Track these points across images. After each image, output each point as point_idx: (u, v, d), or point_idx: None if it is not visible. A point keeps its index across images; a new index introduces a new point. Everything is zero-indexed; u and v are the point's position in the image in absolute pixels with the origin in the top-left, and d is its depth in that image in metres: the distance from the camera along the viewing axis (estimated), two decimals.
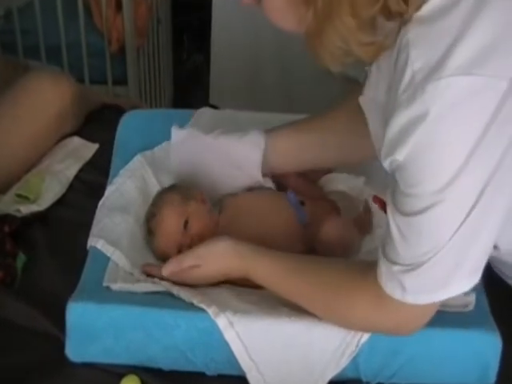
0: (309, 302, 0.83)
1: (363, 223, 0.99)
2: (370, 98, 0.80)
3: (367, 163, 1.02)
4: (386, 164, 0.69)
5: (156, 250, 0.98)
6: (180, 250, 0.94)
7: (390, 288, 0.73)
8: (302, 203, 1.01)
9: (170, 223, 0.95)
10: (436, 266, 0.69)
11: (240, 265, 0.86)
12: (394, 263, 0.72)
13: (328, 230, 0.94)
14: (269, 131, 1.00)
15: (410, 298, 0.72)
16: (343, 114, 0.96)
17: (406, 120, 0.65)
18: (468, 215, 0.66)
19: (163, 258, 0.95)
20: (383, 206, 0.95)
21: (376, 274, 0.75)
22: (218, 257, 0.88)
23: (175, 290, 0.88)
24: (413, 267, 0.70)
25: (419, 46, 0.65)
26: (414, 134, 0.64)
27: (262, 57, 1.98)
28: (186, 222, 0.95)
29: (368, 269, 0.77)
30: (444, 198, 0.66)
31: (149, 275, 0.92)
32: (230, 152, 0.99)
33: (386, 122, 0.69)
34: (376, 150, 0.74)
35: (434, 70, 0.63)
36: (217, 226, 0.97)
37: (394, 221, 0.70)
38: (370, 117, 0.81)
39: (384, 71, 0.74)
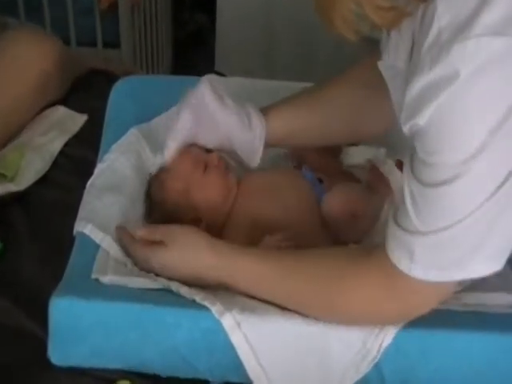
0: (305, 301, 0.83)
1: (375, 185, 0.99)
2: (390, 64, 0.81)
3: (388, 134, 1.03)
4: (405, 129, 0.70)
5: (162, 208, 0.97)
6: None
7: (398, 257, 0.73)
8: (320, 180, 1.03)
9: (186, 167, 0.97)
10: (450, 242, 0.70)
11: (213, 263, 0.86)
12: (405, 229, 0.72)
13: (329, 201, 0.95)
14: (267, 111, 1.00)
15: (419, 272, 0.72)
16: (347, 87, 0.97)
17: (429, 82, 0.65)
18: (492, 195, 0.66)
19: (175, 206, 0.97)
20: None
21: (380, 253, 0.75)
22: (188, 243, 0.87)
23: (175, 285, 0.88)
24: (424, 234, 0.70)
25: (446, 0, 0.65)
26: (438, 97, 0.65)
27: (276, 15, 1.95)
28: (205, 168, 0.97)
29: (371, 249, 0.79)
30: (466, 171, 0.66)
31: (120, 243, 0.93)
32: (230, 138, 1.00)
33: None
34: (398, 119, 0.74)
35: (462, 28, 0.63)
36: (232, 194, 0.99)
37: (408, 187, 0.71)
38: (391, 84, 0.82)
39: (405, 35, 0.75)
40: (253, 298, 0.87)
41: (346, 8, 0.67)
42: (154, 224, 0.95)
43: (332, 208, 0.94)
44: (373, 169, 1.01)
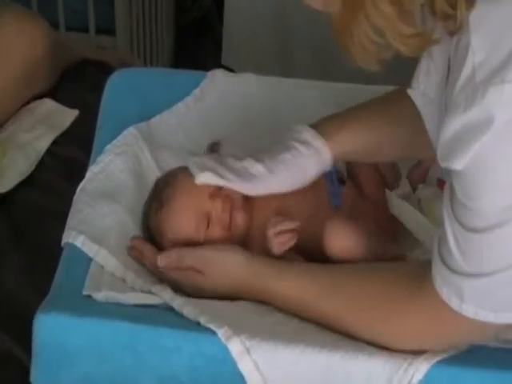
0: (344, 324, 0.85)
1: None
2: (421, 91, 0.83)
3: None
4: (442, 166, 0.73)
5: (172, 233, 0.98)
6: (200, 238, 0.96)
7: (447, 295, 0.77)
8: (342, 181, 1.02)
9: (187, 226, 0.97)
10: (501, 285, 0.74)
11: (252, 286, 0.90)
12: (452, 269, 0.76)
13: (331, 239, 0.93)
14: (324, 135, 0.97)
15: (470, 312, 0.76)
16: (405, 107, 0.95)
17: (464, 124, 0.68)
18: None
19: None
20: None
21: (431, 284, 0.79)
22: (227, 269, 0.91)
23: (177, 302, 0.88)
24: (472, 276, 0.74)
25: (482, 32, 0.67)
26: (475, 143, 0.67)
27: (291, 5, 1.92)
28: (208, 223, 0.97)
29: (422, 276, 0.81)
30: (510, 218, 0.70)
31: (136, 257, 0.95)
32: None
33: (440, 121, 0.72)
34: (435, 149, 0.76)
35: (499, 69, 0.65)
36: (243, 231, 0.99)
37: (451, 227, 0.75)
38: (424, 112, 0.84)
39: (438, 60, 0.77)
40: (267, 321, 0.88)
41: (365, 37, 0.69)
42: (173, 249, 0.95)
43: (334, 247, 0.93)
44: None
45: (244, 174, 0.93)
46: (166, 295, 0.90)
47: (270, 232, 0.94)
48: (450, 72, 0.73)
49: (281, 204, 0.98)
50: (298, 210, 0.98)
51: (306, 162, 0.94)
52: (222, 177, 0.92)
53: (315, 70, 1.89)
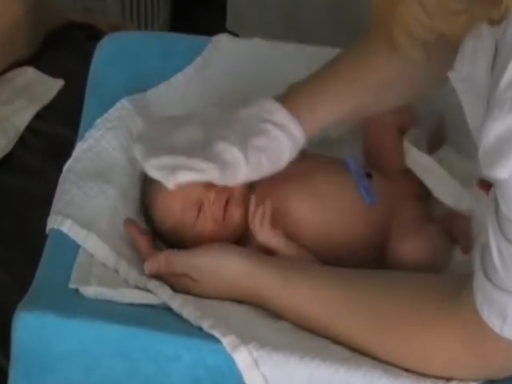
0: (369, 337, 0.85)
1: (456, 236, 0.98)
2: (464, 75, 0.82)
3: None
4: (485, 173, 0.73)
5: (161, 215, 0.98)
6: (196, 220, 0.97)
7: (487, 314, 0.76)
8: (368, 175, 1.02)
9: (176, 209, 0.98)
10: None
11: (253, 292, 0.91)
12: (495, 285, 0.75)
13: (402, 248, 0.95)
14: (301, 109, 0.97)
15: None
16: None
17: (508, 128, 0.67)
18: None
19: (167, 235, 0.98)
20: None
21: (468, 301, 0.78)
22: (224, 279, 0.92)
23: (177, 303, 0.88)
24: None
25: None
26: None
27: None
28: (199, 210, 0.98)
29: (459, 287, 0.81)
30: None
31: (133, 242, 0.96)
32: None
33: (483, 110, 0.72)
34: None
35: None
36: (236, 225, 1.00)
37: (495, 241, 0.74)
38: (465, 100, 0.84)
39: (486, 41, 0.76)
40: (280, 328, 0.88)
41: (412, 17, 0.69)
42: (162, 253, 0.95)
43: (406, 257, 0.94)
44: (457, 219, 1.00)
45: (219, 162, 0.92)
46: (163, 294, 0.90)
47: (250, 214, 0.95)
48: (497, 56, 0.72)
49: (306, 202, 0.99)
50: (330, 208, 0.99)
51: (281, 147, 0.94)
52: (197, 170, 0.91)
53: (327, 33, 1.89)
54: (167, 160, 0.93)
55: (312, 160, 1.04)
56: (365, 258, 0.98)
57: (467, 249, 0.96)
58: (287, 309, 0.89)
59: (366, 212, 1.00)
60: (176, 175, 0.91)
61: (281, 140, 0.94)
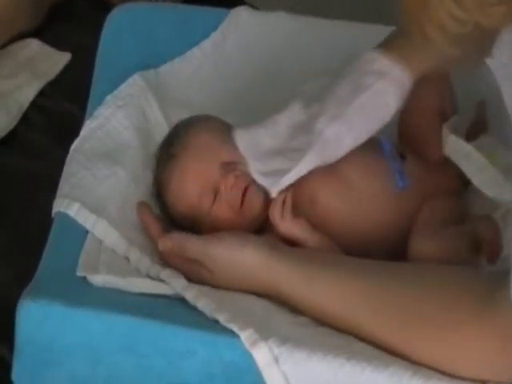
0: (395, 334, 0.85)
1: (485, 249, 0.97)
2: (503, 62, 0.84)
3: None
4: None
5: (174, 197, 0.99)
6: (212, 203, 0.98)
7: None
8: (402, 156, 1.02)
9: (192, 194, 0.99)
10: None
11: (276, 290, 0.90)
12: None
13: (419, 247, 0.95)
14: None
15: None
16: None
17: None
18: None
19: (180, 221, 0.98)
20: None
21: (506, 294, 0.77)
22: (241, 272, 0.91)
23: (191, 294, 0.88)
24: None
25: None
26: None
27: None
28: (215, 196, 0.99)
29: (496, 285, 0.80)
30: None
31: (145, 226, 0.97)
32: None
33: None
34: None
35: None
36: (257, 212, 1.00)
37: None
38: (504, 87, 0.85)
39: None
40: (302, 323, 0.88)
41: (445, 11, 0.70)
42: (176, 234, 0.96)
43: (419, 256, 0.94)
44: (487, 226, 0.98)
45: (319, 143, 0.94)
46: (177, 284, 0.90)
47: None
48: None
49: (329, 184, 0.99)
50: (360, 194, 0.99)
51: (385, 99, 0.95)
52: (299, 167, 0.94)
53: (352, 7, 1.88)
54: (270, 164, 0.96)
55: None
56: (391, 250, 0.98)
57: (492, 259, 0.94)
58: (308, 304, 0.89)
59: (397, 198, 0.99)
60: (281, 183, 0.96)
61: (385, 90, 0.95)
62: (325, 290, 0.88)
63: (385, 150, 1.02)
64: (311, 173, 0.98)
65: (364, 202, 0.99)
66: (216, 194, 0.98)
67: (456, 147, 0.98)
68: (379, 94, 0.95)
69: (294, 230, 0.96)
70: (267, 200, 0.98)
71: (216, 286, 0.92)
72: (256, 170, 0.97)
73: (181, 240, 0.94)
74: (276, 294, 0.90)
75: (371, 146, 1.01)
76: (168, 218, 1.02)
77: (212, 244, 0.93)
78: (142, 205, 1.00)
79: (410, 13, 0.73)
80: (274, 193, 0.96)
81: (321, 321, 0.88)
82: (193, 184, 0.98)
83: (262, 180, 0.97)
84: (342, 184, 0.99)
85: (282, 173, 0.96)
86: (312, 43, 1.15)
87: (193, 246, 0.93)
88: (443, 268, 0.91)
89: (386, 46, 0.97)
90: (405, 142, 1.05)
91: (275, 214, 0.96)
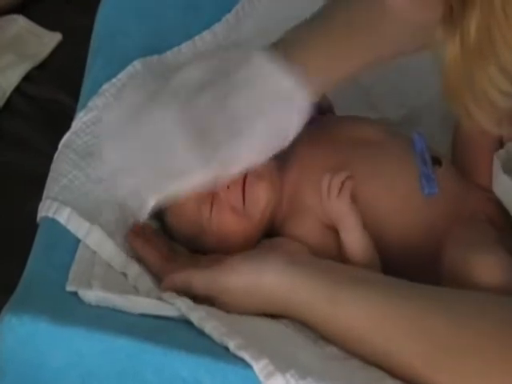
0: (435, 370, 0.84)
1: None
2: None
3: None
4: None
5: (175, 216, 1.00)
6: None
7: None
8: (437, 161, 1.01)
9: (188, 210, 1.00)
10: None
11: (296, 313, 0.91)
12: None
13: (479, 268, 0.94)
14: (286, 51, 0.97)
15: None
16: None
17: None
18: None
19: (188, 244, 0.99)
20: None
21: None
22: (257, 298, 0.92)
23: (198, 315, 0.87)
24: None
25: None
26: None
27: None
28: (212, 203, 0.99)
29: None
30: None
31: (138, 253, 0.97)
32: None
33: None
34: None
35: None
36: (271, 206, 1.02)
37: None
38: None
39: None
40: (325, 354, 0.87)
41: (494, 86, 0.73)
42: (177, 273, 0.96)
43: (476, 272, 0.93)
44: None
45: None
46: (182, 304, 0.89)
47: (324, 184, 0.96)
48: None
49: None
50: (381, 199, 0.99)
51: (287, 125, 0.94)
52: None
53: None
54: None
55: (375, 130, 1.05)
56: (418, 261, 0.98)
57: None
58: (332, 326, 0.89)
59: (423, 204, 0.99)
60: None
61: (287, 119, 0.94)
62: (351, 311, 0.88)
63: (415, 151, 1.01)
64: (351, 168, 0.99)
65: (390, 203, 1.00)
66: (213, 199, 0.98)
67: (507, 188, 0.98)
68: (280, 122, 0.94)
69: (346, 217, 0.96)
70: (272, 188, 0.99)
71: (227, 311, 0.92)
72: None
73: (185, 278, 0.94)
74: (298, 315, 0.90)
75: (401, 141, 1.03)
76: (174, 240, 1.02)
77: (223, 275, 0.93)
78: (133, 233, 0.99)
79: (453, 92, 0.75)
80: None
81: (350, 350, 0.88)
82: (192, 197, 0.98)
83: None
84: (381, 182, 1.00)
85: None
86: None
87: (199, 282, 0.93)
88: (482, 295, 0.91)
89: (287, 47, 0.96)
90: (454, 153, 1.06)
91: (332, 188, 0.96)
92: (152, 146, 0.93)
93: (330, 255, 0.98)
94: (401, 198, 1.00)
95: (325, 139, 1.03)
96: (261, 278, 0.91)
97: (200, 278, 0.93)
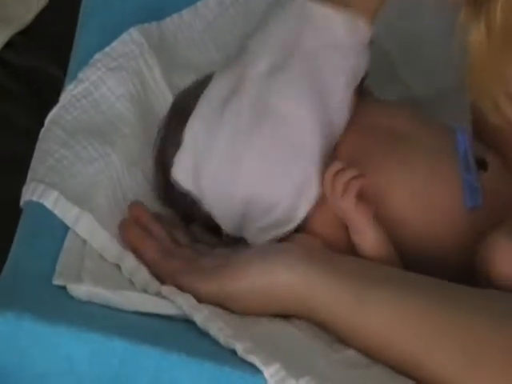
0: (465, 374, 0.85)
1: None
2: None
3: None
4: None
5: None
6: None
7: None
8: (482, 162, 1.00)
9: None
10: None
11: (314, 315, 0.90)
12: None
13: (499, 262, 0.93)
14: None
15: None
16: None
17: None
18: None
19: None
20: None
21: None
22: (271, 300, 0.91)
23: (202, 315, 0.87)
24: None
25: None
26: None
27: None
28: None
29: None
30: None
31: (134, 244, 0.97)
32: None
33: None
34: None
35: None
36: None
37: None
38: None
39: None
40: (343, 360, 0.87)
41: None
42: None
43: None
44: None
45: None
46: (183, 302, 0.89)
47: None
48: None
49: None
50: (407, 206, 0.98)
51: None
52: None
53: None
54: None
55: (413, 123, 1.03)
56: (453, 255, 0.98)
57: None
58: (355, 329, 0.88)
59: (464, 218, 0.99)
60: None
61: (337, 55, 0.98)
62: (378, 312, 0.88)
63: (459, 154, 1.00)
64: (377, 165, 0.99)
65: (425, 212, 0.99)
66: None
67: None
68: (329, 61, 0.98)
69: (353, 216, 0.95)
70: None
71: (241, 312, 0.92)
72: None
73: (188, 285, 0.93)
74: (315, 317, 0.90)
75: (443, 136, 1.02)
76: (181, 215, 1.02)
77: (230, 281, 0.92)
78: (126, 224, 0.98)
79: (480, 84, 0.76)
80: None
81: (373, 356, 0.88)
82: None
83: None
84: (414, 182, 0.99)
85: None
86: None
87: (204, 291, 0.92)
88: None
89: None
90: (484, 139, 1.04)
91: (336, 185, 0.95)
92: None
93: (345, 249, 0.97)
94: (433, 207, 0.99)
95: (352, 124, 1.02)
96: (274, 279, 0.90)
97: (207, 286, 0.92)
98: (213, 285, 0.92)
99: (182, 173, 0.99)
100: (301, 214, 0.97)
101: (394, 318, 0.87)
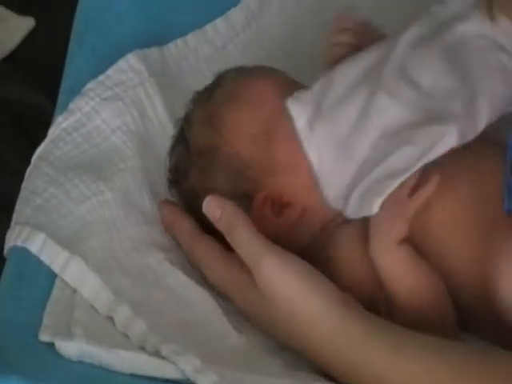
0: None
1: None
2: None
3: None
4: None
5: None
6: None
7: None
8: None
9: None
10: None
11: (341, 355, 0.91)
12: None
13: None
14: None
15: None
16: None
17: None
18: None
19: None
20: None
21: None
22: (291, 323, 0.93)
23: (208, 380, 0.87)
24: None
25: None
26: None
27: None
28: None
29: None
30: None
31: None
32: None
33: None
34: None
35: None
36: None
37: None
38: None
39: None
40: None
41: None
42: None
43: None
44: None
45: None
46: (186, 363, 0.89)
47: None
48: None
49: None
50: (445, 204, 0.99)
51: None
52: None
53: None
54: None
55: None
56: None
57: None
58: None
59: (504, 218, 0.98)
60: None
61: None
62: (411, 360, 0.89)
63: (507, 157, 1.00)
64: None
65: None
66: None
67: None
68: None
69: (393, 267, 0.96)
70: None
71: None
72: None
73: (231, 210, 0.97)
74: (331, 361, 0.91)
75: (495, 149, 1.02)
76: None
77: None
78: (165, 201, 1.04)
79: None
80: (374, 208, 0.95)
81: None
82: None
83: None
84: (458, 203, 1.00)
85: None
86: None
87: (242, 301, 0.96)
88: None
89: None
90: None
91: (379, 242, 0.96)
92: None
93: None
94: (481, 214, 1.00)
95: None
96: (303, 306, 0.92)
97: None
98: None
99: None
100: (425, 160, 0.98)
101: (422, 367, 0.88)
